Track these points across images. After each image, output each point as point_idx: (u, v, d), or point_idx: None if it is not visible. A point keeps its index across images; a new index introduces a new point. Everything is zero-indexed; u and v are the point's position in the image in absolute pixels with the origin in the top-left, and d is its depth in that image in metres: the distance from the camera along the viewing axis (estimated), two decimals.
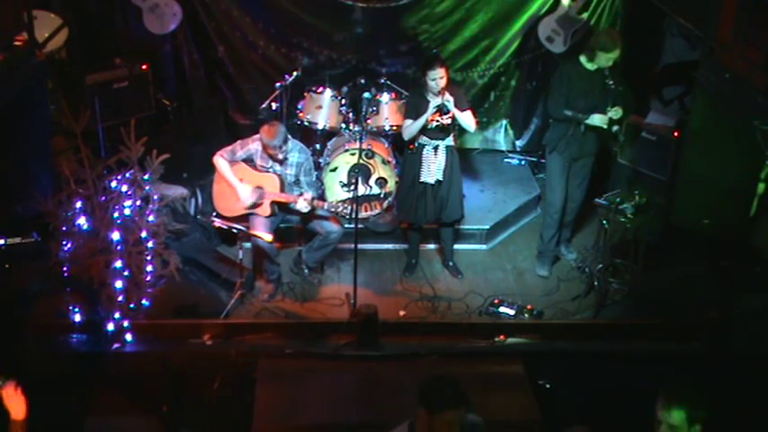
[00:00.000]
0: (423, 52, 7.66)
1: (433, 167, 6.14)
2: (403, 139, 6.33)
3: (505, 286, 6.50)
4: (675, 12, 6.63)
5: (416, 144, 6.17)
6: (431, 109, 5.94)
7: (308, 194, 6.04)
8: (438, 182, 6.19)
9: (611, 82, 5.94)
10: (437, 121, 6.03)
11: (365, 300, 5.94)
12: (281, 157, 6.00)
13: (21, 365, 4.85)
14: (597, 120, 6.03)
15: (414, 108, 6.11)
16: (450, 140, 6.18)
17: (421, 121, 6.00)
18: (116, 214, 5.36)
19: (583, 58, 6.09)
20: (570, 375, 5.32)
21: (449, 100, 5.91)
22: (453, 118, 6.05)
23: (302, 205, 5.95)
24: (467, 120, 6.09)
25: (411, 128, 6.09)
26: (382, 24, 7.61)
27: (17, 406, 3.39)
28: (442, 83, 5.91)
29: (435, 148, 6.13)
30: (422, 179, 6.18)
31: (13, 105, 5.41)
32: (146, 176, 5.39)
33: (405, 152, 6.38)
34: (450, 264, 6.68)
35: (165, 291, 5.74)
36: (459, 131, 6.33)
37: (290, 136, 6.09)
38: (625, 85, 6.09)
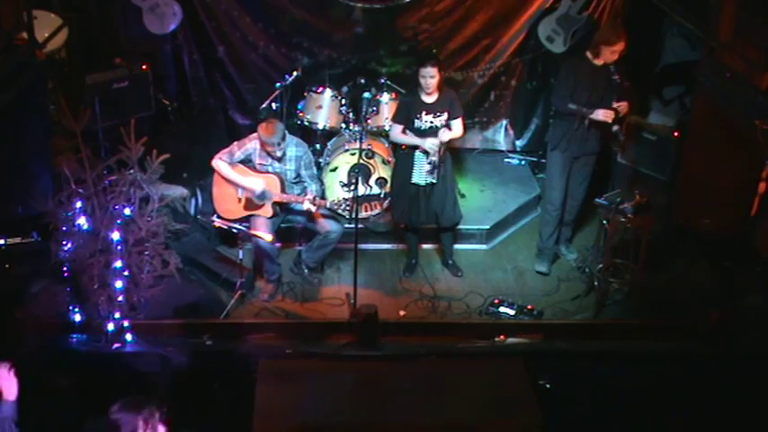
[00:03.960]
0: (423, 52, 7.67)
1: (425, 169, 6.13)
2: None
3: (505, 286, 6.50)
4: (675, 12, 6.63)
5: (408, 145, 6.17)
6: (427, 147, 5.96)
7: (312, 188, 6.04)
8: (431, 184, 6.18)
9: (616, 77, 5.93)
10: (430, 123, 6.02)
11: (365, 300, 5.93)
12: (279, 154, 6.00)
13: (20, 364, 4.85)
14: (601, 115, 6.01)
15: (404, 109, 6.11)
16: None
17: (409, 141, 6.04)
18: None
19: (589, 54, 6.09)
20: (570, 375, 5.32)
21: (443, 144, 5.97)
22: (447, 119, 6.04)
23: (307, 206, 5.96)
24: (456, 130, 6.10)
25: (397, 139, 6.15)
26: (382, 24, 7.61)
27: (10, 386, 3.53)
28: (431, 83, 5.89)
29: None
30: (413, 180, 6.16)
31: (13, 105, 5.41)
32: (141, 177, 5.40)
33: (397, 152, 6.37)
34: (450, 262, 6.68)
35: (165, 291, 5.74)
36: None
37: (287, 132, 6.10)
38: (630, 81, 6.08)
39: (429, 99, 5.99)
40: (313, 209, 5.98)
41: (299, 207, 6.09)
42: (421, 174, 6.13)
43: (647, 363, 5.45)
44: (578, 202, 6.56)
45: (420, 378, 5.17)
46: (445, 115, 6.03)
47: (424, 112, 6.00)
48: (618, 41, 5.89)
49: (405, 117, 6.08)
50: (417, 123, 6.03)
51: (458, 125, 6.11)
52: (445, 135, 5.99)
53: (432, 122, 6.02)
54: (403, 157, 6.23)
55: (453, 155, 6.23)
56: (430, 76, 5.87)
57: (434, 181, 6.14)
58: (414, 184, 6.18)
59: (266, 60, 7.76)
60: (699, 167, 6.04)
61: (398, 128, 6.13)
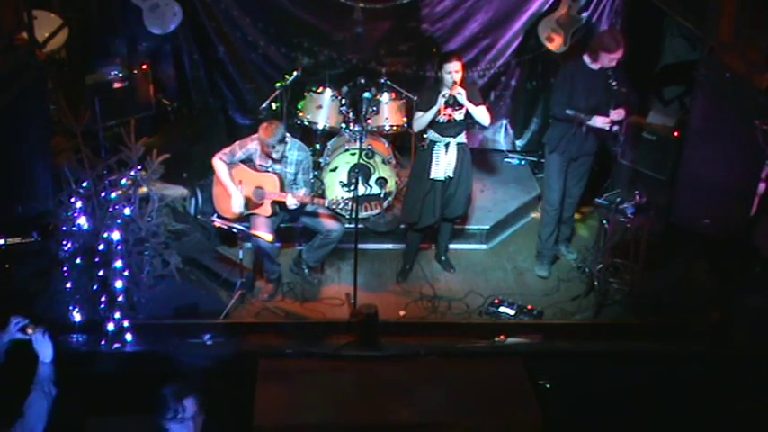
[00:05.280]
0: (423, 52, 7.67)
1: (443, 164, 6.10)
2: (415, 136, 6.30)
3: (505, 286, 6.50)
4: (675, 12, 6.64)
5: (428, 141, 6.15)
6: (440, 101, 5.92)
7: (300, 192, 6.02)
8: (449, 178, 6.16)
9: (613, 82, 5.94)
10: (448, 115, 6.01)
11: (365, 300, 5.93)
12: (275, 156, 5.98)
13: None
14: (599, 122, 6.03)
15: (427, 101, 6.08)
16: (462, 138, 6.15)
17: (431, 113, 5.97)
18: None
19: (586, 59, 6.09)
20: (570, 375, 5.32)
21: (460, 93, 5.89)
22: (466, 114, 6.04)
23: (291, 202, 5.94)
24: (481, 114, 6.05)
25: (420, 120, 6.06)
26: (382, 24, 7.61)
27: (46, 349, 3.71)
28: (457, 77, 5.88)
29: (446, 145, 6.10)
30: (431, 176, 6.14)
31: (13, 105, 5.41)
32: (134, 174, 5.40)
33: (417, 150, 6.34)
34: (443, 258, 6.68)
35: (165, 291, 5.74)
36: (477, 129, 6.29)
37: (289, 135, 6.09)
38: (628, 86, 6.09)
39: (445, 92, 5.95)
40: (293, 207, 5.96)
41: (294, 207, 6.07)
42: (438, 169, 6.11)
43: (647, 363, 5.45)
44: (575, 200, 6.56)
45: (420, 378, 5.17)
46: (464, 109, 6.02)
47: (442, 107, 5.99)
48: (617, 49, 5.89)
49: (427, 106, 6.05)
50: (436, 117, 6.02)
51: (481, 111, 6.06)
52: (463, 96, 5.91)
53: (450, 115, 6.01)
54: (422, 153, 6.22)
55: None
56: (455, 71, 5.87)
57: (452, 176, 6.13)
58: (431, 179, 6.15)
59: (266, 60, 7.77)
60: (699, 167, 6.04)
61: (419, 113, 6.11)
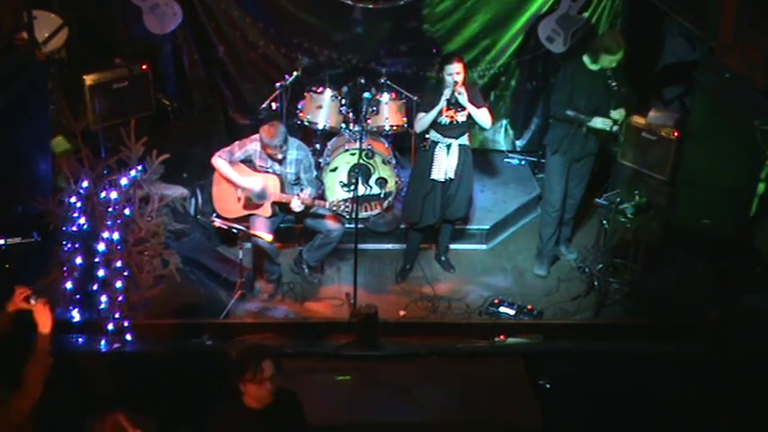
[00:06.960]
0: (423, 52, 7.67)
1: (444, 165, 6.09)
2: (416, 136, 6.29)
3: (505, 286, 6.50)
4: (675, 12, 6.64)
5: (429, 141, 6.14)
6: (442, 101, 5.92)
7: (306, 193, 6.02)
8: (450, 179, 6.16)
9: (613, 83, 5.94)
10: (450, 117, 6.01)
11: (365, 300, 5.93)
12: (280, 156, 5.99)
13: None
14: (599, 123, 6.03)
15: (429, 102, 6.08)
16: (464, 139, 6.15)
17: (433, 113, 5.97)
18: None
19: (586, 59, 6.09)
20: (570, 375, 5.32)
21: (461, 93, 5.89)
22: (468, 116, 6.04)
23: (296, 204, 5.94)
24: (482, 116, 6.05)
25: (422, 120, 6.06)
26: (382, 24, 7.61)
27: (45, 320, 3.84)
28: (459, 78, 5.88)
29: (448, 147, 6.09)
30: (432, 176, 6.14)
31: (13, 105, 5.41)
32: (133, 173, 5.39)
33: (418, 150, 6.36)
34: (443, 259, 6.68)
35: (165, 291, 5.74)
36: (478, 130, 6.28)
37: (288, 134, 6.09)
38: (628, 87, 6.08)
39: (447, 92, 5.94)
40: (298, 209, 5.96)
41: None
42: (439, 170, 6.11)
43: (647, 363, 5.45)
44: (576, 201, 6.56)
45: (420, 378, 5.17)
46: (466, 111, 6.02)
47: (444, 108, 5.99)
48: (618, 50, 5.89)
49: (429, 107, 6.05)
50: (438, 119, 6.02)
51: (483, 113, 6.06)
52: (464, 97, 5.91)
53: (452, 117, 6.02)
54: (423, 153, 6.21)
55: None
56: (456, 72, 5.86)
57: (452, 177, 6.13)
58: (432, 180, 6.15)
59: (266, 60, 7.77)
60: (699, 167, 6.04)
61: (421, 114, 6.11)
